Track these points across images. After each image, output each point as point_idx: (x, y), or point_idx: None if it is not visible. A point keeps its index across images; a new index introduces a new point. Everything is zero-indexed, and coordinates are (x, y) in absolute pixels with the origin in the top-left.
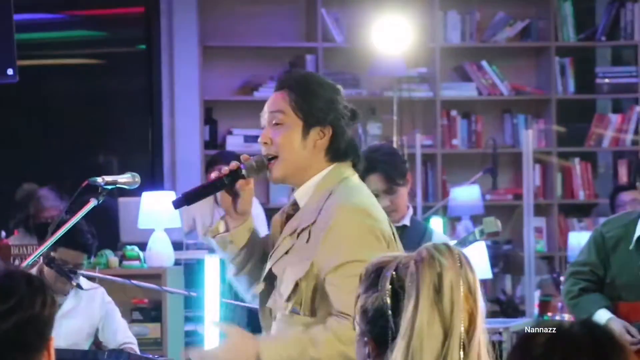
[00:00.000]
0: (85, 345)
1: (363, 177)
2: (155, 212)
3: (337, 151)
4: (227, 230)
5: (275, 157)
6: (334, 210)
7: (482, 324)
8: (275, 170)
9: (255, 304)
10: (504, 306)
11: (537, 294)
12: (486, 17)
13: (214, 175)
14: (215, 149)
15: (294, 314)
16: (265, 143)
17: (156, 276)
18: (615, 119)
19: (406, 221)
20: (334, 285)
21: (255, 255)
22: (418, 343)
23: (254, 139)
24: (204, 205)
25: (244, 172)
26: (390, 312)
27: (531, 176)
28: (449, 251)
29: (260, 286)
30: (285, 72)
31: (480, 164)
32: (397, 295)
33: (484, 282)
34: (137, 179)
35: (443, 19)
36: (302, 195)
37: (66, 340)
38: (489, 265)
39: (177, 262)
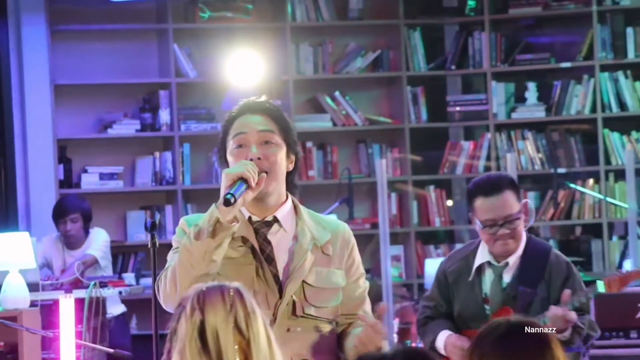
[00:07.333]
0: None
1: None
2: (8, 254)
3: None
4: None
5: (266, 172)
6: (346, 231)
7: (266, 350)
8: (267, 185)
9: None
10: None
11: (396, 321)
12: (338, 49)
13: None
14: (70, 188)
15: (312, 320)
16: (259, 159)
17: (12, 318)
18: (467, 146)
19: None
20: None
21: None
22: None
23: (109, 176)
24: (56, 247)
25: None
26: None
27: (386, 205)
28: (218, 294)
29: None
30: (250, 100)
31: (337, 195)
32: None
33: None
34: None
35: (295, 52)
36: (284, 215)
37: None
38: None
39: (33, 304)
